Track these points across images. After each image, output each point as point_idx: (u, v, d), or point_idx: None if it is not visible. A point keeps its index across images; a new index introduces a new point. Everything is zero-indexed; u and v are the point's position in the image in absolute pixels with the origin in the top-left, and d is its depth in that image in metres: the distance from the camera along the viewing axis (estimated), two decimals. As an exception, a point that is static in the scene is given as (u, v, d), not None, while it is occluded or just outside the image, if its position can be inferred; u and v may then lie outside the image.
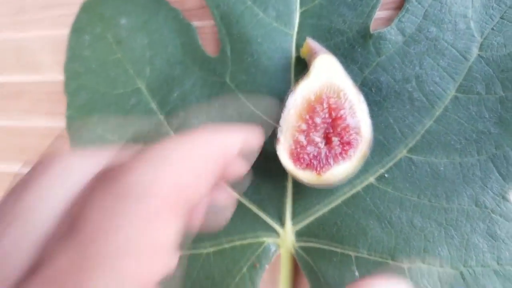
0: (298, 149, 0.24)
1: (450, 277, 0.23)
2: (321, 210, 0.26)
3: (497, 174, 0.24)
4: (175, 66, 0.28)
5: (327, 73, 0.24)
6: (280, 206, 0.26)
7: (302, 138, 0.24)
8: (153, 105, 0.28)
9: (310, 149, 0.24)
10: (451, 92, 0.25)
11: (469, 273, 0.23)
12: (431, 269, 0.24)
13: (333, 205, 0.25)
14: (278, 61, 0.27)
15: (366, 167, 0.25)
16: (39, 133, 0.31)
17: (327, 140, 0.24)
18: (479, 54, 0.24)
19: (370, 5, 0.26)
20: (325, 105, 0.24)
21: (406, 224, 0.24)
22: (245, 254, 0.26)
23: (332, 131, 0.24)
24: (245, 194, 0.27)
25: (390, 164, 0.25)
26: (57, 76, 0.32)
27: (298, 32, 0.27)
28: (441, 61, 0.25)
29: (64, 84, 0.30)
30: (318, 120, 0.24)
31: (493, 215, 0.24)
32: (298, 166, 0.24)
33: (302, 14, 0.27)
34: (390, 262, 0.24)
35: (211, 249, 0.27)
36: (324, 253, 0.25)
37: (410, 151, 0.25)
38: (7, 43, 0.33)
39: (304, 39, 0.26)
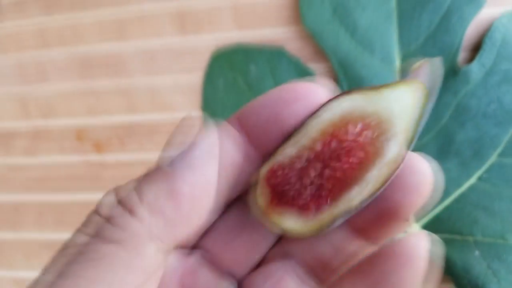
0: (288, 165, 0.18)
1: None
2: (437, 209, 0.33)
3: None
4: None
5: (400, 104, 0.18)
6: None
7: (304, 157, 0.18)
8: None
9: (293, 175, 0.18)
10: (525, 109, 0.33)
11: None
12: (533, 243, 0.31)
13: (446, 204, 0.32)
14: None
15: (467, 171, 0.33)
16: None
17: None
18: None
19: (454, 47, 0.34)
20: (355, 130, 0.17)
21: (507, 211, 0.31)
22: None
23: (323, 169, 0.18)
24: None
25: (486, 166, 0.33)
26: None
27: (400, 69, 0.35)
28: (514, 86, 0.33)
29: (203, 120, 0.36)
30: (334, 144, 0.17)
31: None
32: (266, 178, 0.18)
33: (401, 57, 0.35)
34: (500, 241, 0.31)
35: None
36: (447, 242, 0.32)
37: (499, 155, 0.33)
38: (141, 87, 0.38)
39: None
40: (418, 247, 0.16)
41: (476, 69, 0.34)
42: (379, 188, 0.17)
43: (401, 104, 0.18)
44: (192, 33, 0.39)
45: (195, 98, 0.38)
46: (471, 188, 0.32)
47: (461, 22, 0.35)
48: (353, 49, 0.35)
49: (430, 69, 0.18)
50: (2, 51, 0.43)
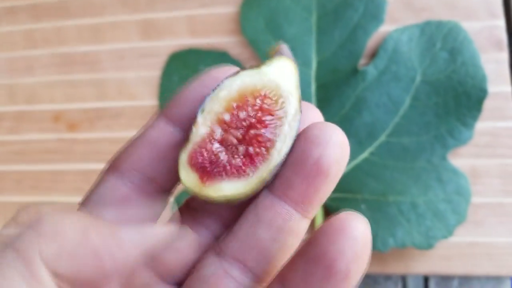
0: (206, 143, 0.20)
1: (417, 203, 0.40)
2: (338, 173, 0.41)
3: (439, 145, 0.41)
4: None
5: (279, 74, 0.22)
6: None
7: (218, 130, 0.21)
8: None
9: (216, 147, 0.20)
10: (407, 100, 0.42)
11: (427, 202, 0.40)
12: (406, 199, 0.40)
13: (345, 172, 0.41)
14: (304, 89, 0.44)
15: (362, 147, 0.42)
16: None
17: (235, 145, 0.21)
18: (421, 79, 0.43)
19: (358, 54, 0.44)
20: (258, 102, 0.21)
21: (390, 177, 0.40)
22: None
23: (245, 134, 0.21)
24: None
25: (376, 144, 0.42)
26: (149, 102, 0.46)
27: (315, 71, 0.44)
28: (399, 83, 0.43)
29: (159, 107, 0.44)
30: (242, 114, 0.21)
31: (439, 168, 0.40)
32: (189, 162, 0.20)
33: (318, 62, 0.45)
34: (381, 198, 0.40)
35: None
36: (341, 199, 0.40)
37: (387, 136, 0.42)
38: (111, 80, 0.47)
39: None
40: (351, 219, 0.17)
41: (371, 70, 0.43)
42: (293, 140, 0.20)
43: (280, 73, 0.22)
44: (154, 39, 0.48)
45: (154, 89, 0.47)
46: (364, 161, 0.42)
47: (364, 36, 0.45)
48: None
49: (285, 47, 0.23)
50: (-5, 51, 0.52)
